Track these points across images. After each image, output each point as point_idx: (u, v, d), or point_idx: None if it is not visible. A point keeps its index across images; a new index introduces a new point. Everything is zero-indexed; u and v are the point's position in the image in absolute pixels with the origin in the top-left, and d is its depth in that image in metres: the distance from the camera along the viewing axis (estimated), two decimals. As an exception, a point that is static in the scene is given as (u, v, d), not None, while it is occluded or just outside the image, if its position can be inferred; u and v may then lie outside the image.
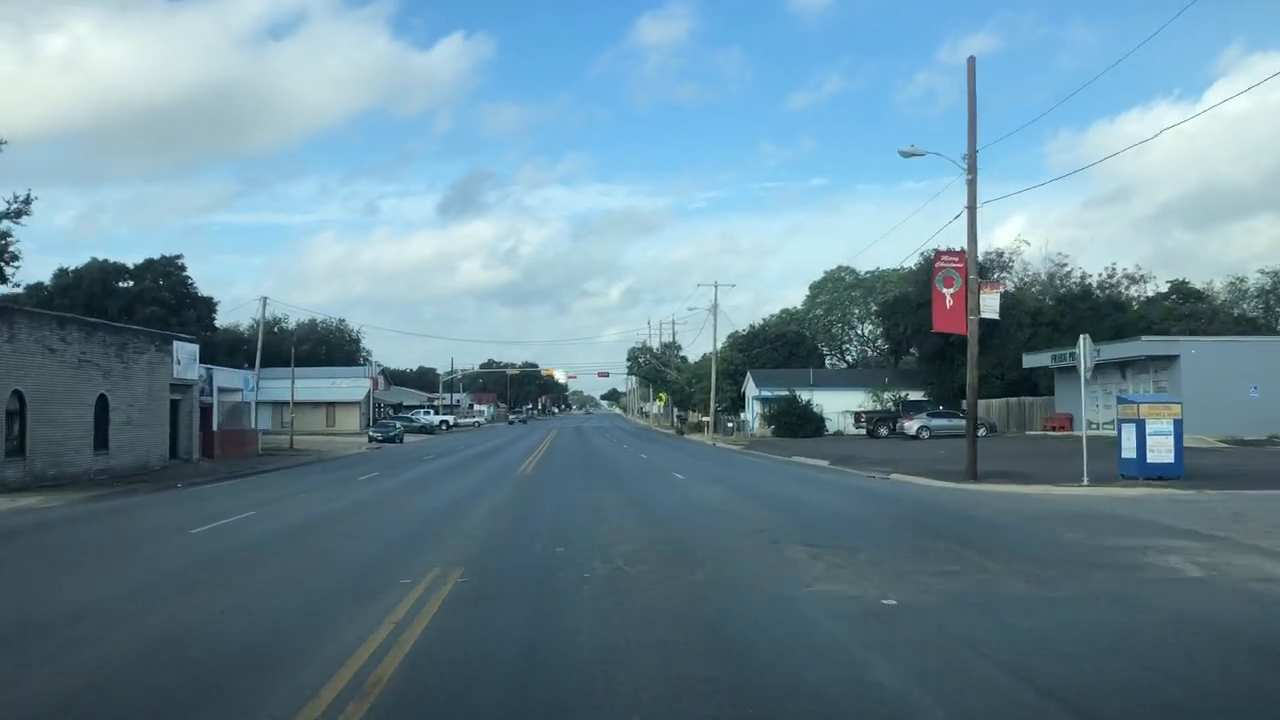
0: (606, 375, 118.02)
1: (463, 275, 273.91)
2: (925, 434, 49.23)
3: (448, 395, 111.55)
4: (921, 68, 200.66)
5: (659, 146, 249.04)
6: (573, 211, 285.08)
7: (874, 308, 73.77)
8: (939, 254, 25.62)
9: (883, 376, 65.45)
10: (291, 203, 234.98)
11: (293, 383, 50.22)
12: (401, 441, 63.82)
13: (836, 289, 74.38)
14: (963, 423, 52.23)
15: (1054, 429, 47.39)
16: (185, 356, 34.23)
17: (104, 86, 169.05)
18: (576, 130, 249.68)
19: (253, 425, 43.03)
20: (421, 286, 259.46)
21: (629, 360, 78.18)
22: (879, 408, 60.55)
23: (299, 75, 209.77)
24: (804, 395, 61.43)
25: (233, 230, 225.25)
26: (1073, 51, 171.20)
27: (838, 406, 61.82)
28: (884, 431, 54.26)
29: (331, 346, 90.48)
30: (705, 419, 67.90)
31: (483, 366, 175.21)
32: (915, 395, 60.77)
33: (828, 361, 75.34)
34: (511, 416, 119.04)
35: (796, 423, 60.08)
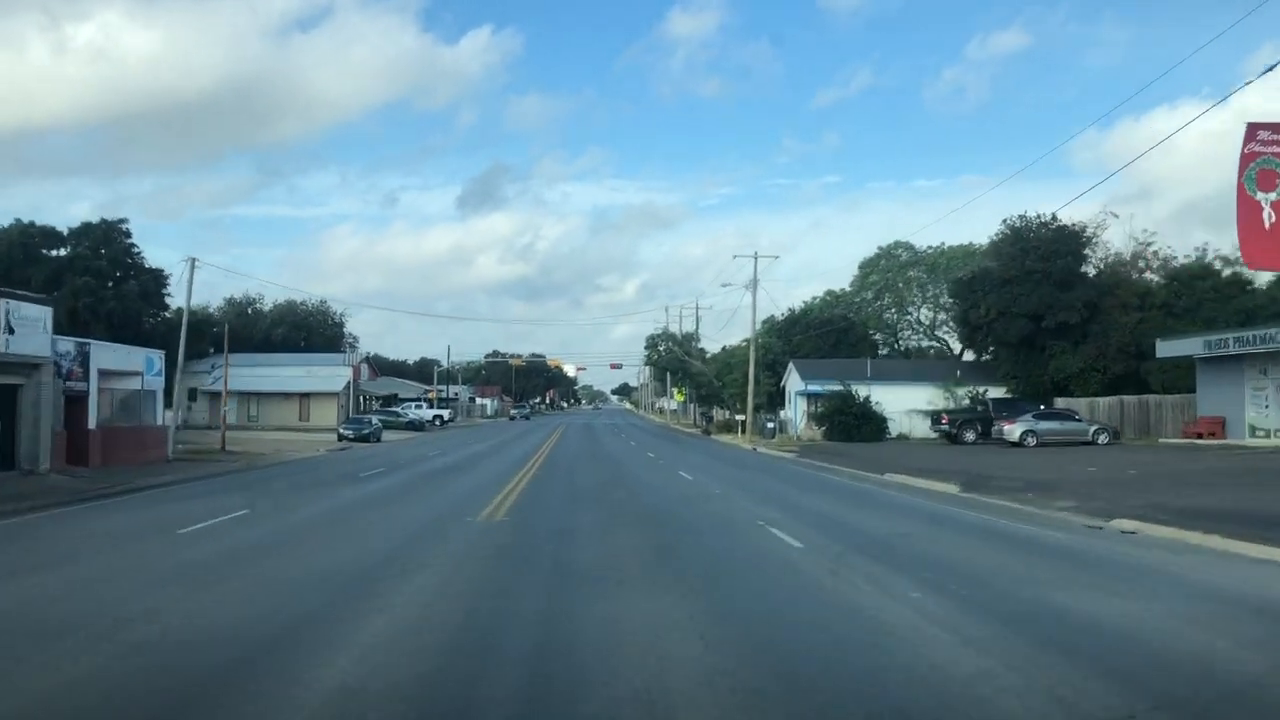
0: (620, 367, 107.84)
1: (478, 270, 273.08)
2: (1030, 440, 38.57)
3: (445, 387, 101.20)
4: (950, 64, 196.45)
5: (681, 141, 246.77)
6: (591, 206, 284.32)
7: (934, 289, 63.10)
8: (1253, 130, 14.82)
9: (953, 369, 54.73)
10: (310, 196, 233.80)
11: (225, 369, 39.96)
12: (378, 440, 53.65)
13: (891, 267, 63.59)
14: (1079, 426, 41.59)
15: (1199, 436, 36.63)
16: (27, 323, 23.80)
17: (129, 77, 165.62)
18: (598, 124, 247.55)
19: (158, 420, 32.58)
20: (436, 281, 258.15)
21: (647, 348, 68.16)
22: (952, 405, 49.92)
23: (324, 67, 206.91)
24: (860, 390, 50.81)
25: (251, 223, 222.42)
26: (1105, 49, 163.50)
27: (901, 404, 51.19)
28: (971, 436, 43.58)
29: (312, 331, 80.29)
30: (739, 417, 57.29)
31: (487, 358, 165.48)
32: (995, 391, 50.17)
33: (879, 352, 64.52)
34: (513, 412, 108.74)
35: (853, 423, 49.49)
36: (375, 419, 56.81)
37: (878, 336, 64.80)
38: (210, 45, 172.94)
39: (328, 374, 71.33)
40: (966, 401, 50.24)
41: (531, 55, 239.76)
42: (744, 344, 60.91)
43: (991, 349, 52.75)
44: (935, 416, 46.75)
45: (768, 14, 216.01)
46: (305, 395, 70.22)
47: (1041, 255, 48.25)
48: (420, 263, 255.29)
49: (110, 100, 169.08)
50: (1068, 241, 48.91)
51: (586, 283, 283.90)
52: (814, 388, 53.52)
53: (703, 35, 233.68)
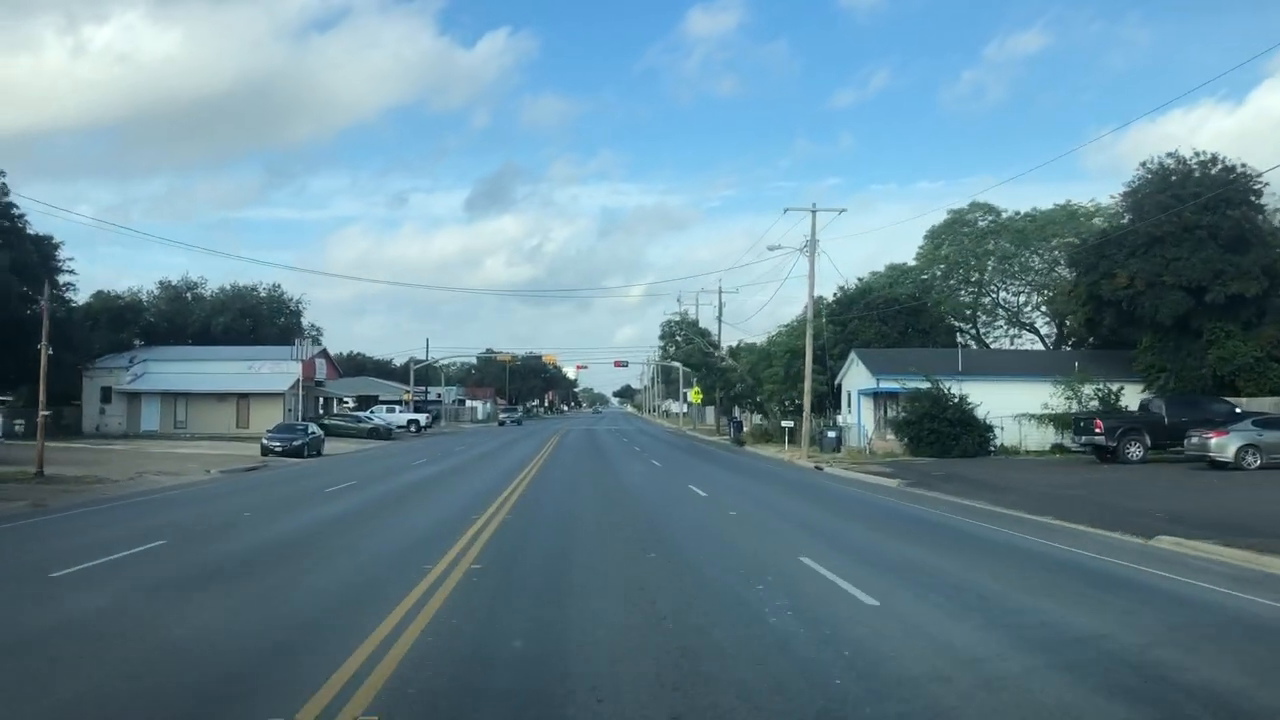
0: (625, 365, 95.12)
1: (485, 272, 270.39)
2: (1252, 459, 25.81)
3: (424, 389, 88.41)
4: (969, 65, 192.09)
5: (693, 144, 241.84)
6: (600, 208, 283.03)
7: (1026, 262, 50.21)
8: None
9: (1068, 361, 41.92)
10: (320, 197, 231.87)
11: (43, 358, 26.64)
12: (315, 454, 41.15)
13: (972, 235, 50.66)
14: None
15: None
16: None
17: (145, 79, 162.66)
18: (611, 126, 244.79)
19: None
20: (443, 283, 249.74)
21: (662, 338, 55.63)
22: (1077, 406, 37.28)
23: (339, 69, 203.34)
24: (952, 389, 38.07)
25: (259, 225, 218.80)
26: (1126, 49, 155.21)
27: (1003, 406, 38.40)
28: (1136, 451, 30.78)
29: (261, 320, 67.47)
30: (785, 424, 44.41)
31: (480, 356, 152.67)
32: (1131, 389, 37.57)
33: (957, 340, 51.60)
34: (502, 416, 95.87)
35: (948, 432, 36.75)
36: (313, 427, 43.99)
37: (957, 321, 51.85)
38: (224, 47, 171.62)
39: (272, 370, 58.54)
40: (1095, 403, 37.50)
41: (547, 57, 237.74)
42: (788, 329, 48.20)
43: (1125, 334, 39.89)
44: (1080, 423, 33.88)
45: (785, 14, 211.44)
46: (244, 396, 57.44)
47: (1204, 206, 35.50)
48: (427, 265, 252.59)
49: (121, 102, 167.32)
50: (1239, 188, 36.15)
51: (593, 285, 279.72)
52: (888, 385, 40.70)
53: (720, 36, 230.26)
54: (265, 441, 40.66)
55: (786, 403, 48.33)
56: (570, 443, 51.14)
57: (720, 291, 61.90)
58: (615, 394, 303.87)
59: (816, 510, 19.83)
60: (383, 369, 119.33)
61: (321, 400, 69.73)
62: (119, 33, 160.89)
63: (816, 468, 34.05)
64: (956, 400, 37.52)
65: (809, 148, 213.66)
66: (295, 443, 40.24)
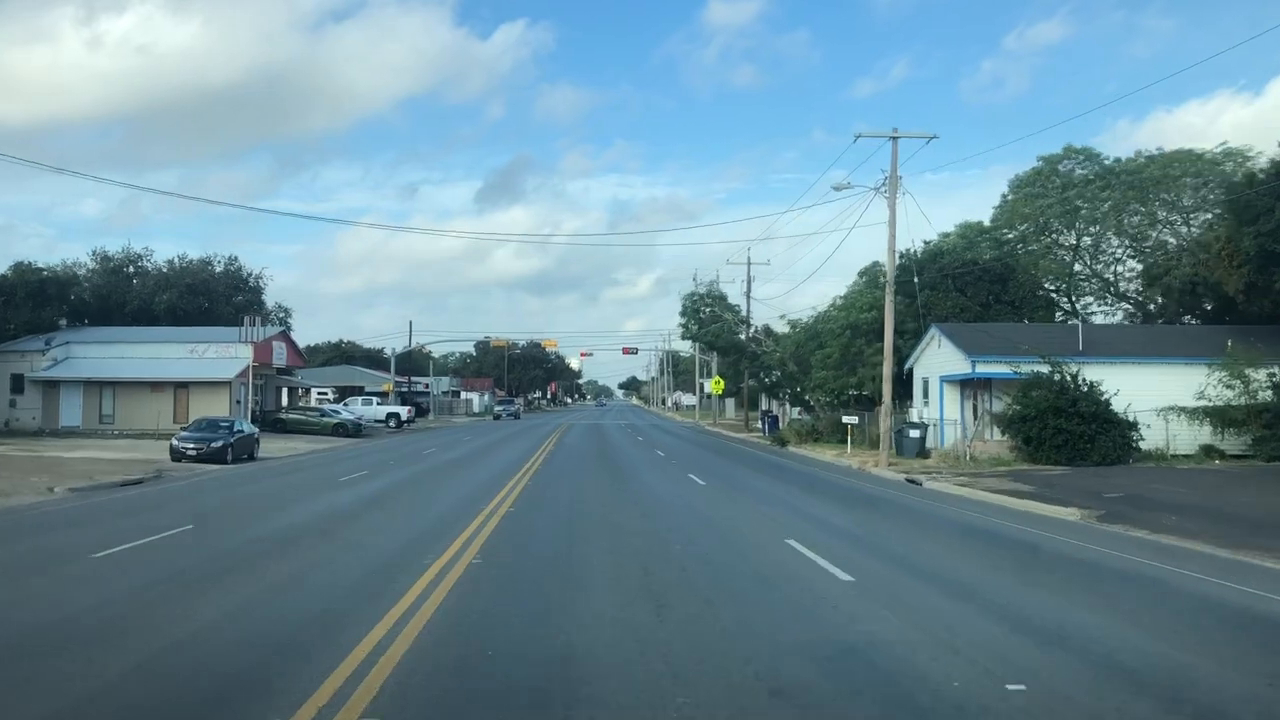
0: (634, 351, 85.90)
1: (494, 264, 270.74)
2: None
3: (406, 379, 79.13)
4: (988, 55, 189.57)
5: (708, 136, 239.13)
6: (611, 199, 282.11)
7: (1145, 217, 40.46)
8: None
9: (1219, 339, 32.36)
10: (330, 189, 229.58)
11: None
12: (246, 458, 32.26)
13: (1066, 185, 40.78)
14: None
15: None
16: None
17: (161, 71, 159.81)
18: (626, 118, 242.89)
19: None
20: (451, 275, 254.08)
21: (684, 315, 45.98)
22: (1241, 395, 27.93)
23: (353, 61, 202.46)
24: (1078, 373, 28.60)
25: (271, 217, 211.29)
26: (1146, 39, 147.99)
27: (1141, 396, 28.89)
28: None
29: (215, 299, 58.02)
30: (847, 419, 34.90)
31: (477, 345, 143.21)
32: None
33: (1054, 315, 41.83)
34: (497, 409, 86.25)
35: (1078, 431, 27.32)
36: (242, 423, 34.53)
37: (1051, 290, 42.05)
38: (238, 38, 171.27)
39: (218, 355, 49.15)
40: (1270, 392, 28.08)
41: (563, 49, 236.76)
42: (845, 301, 38.75)
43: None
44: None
45: (806, 3, 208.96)
46: (183, 385, 48.01)
47: None
48: (438, 257, 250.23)
49: (134, 94, 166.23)
50: None
51: (602, 276, 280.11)
52: (987, 370, 31.22)
53: (739, 25, 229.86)
54: (176, 443, 31.30)
55: (840, 393, 38.89)
56: (573, 442, 41.74)
57: (749, 264, 52.39)
58: (620, 386, 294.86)
59: (1004, 581, 10.47)
60: (374, 359, 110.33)
61: (286, 391, 60.36)
62: (135, 24, 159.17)
63: (909, 481, 24.64)
64: (1086, 389, 28.02)
65: (825, 139, 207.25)
66: (215, 444, 30.91)
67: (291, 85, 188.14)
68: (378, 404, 64.34)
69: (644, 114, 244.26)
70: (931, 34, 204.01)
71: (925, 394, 36.02)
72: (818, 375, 38.21)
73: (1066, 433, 27.23)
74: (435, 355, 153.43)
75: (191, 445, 30.81)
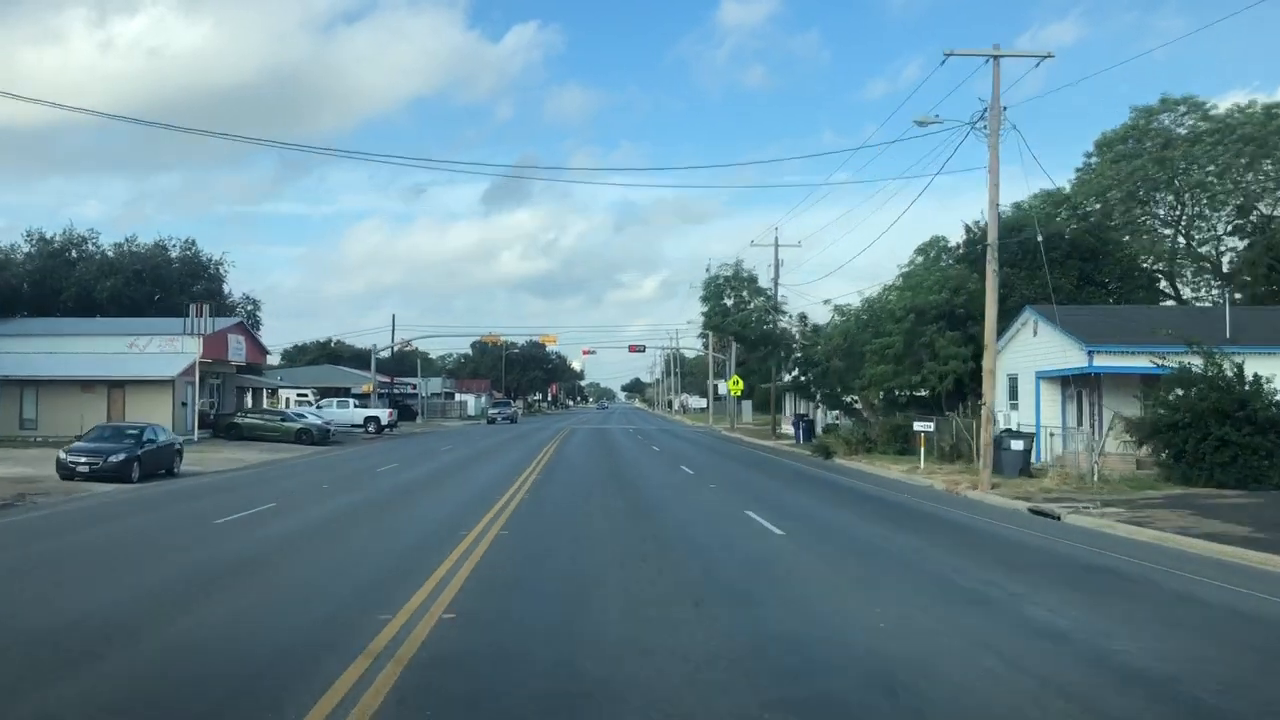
0: (642, 349, 78.67)
1: (500, 266, 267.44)
2: None
3: (390, 379, 72.25)
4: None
5: (716, 137, 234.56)
6: (618, 201, 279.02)
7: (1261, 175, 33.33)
8: None
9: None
10: (337, 190, 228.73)
11: None
12: (166, 473, 26.04)
13: (1168, 141, 33.49)
14: None
15: None
16: None
17: (169, 72, 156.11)
18: (633, 119, 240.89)
19: None
20: (457, 277, 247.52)
21: (706, 301, 38.60)
22: None
23: (363, 61, 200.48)
24: (1243, 366, 21.61)
25: (277, 219, 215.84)
26: (1159, 38, 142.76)
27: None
28: None
29: (168, 287, 51.04)
30: (921, 427, 27.78)
31: (474, 345, 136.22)
32: None
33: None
34: (492, 412, 79.02)
35: (1252, 445, 20.30)
36: (156, 431, 27.40)
37: (1151, 266, 34.85)
38: (249, 40, 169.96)
39: (161, 349, 42.24)
40: None
41: (571, 50, 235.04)
42: (906, 279, 31.84)
43: None
44: None
45: (817, 4, 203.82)
46: (119, 384, 41.07)
47: None
48: (440, 258, 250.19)
49: (142, 96, 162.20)
50: None
51: (606, 278, 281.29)
52: (1108, 363, 24.24)
53: (749, 26, 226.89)
54: (64, 456, 24.43)
55: (900, 392, 31.97)
56: (574, 454, 34.83)
57: (777, 245, 45.36)
58: (623, 388, 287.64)
59: None
60: (365, 359, 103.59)
61: (251, 392, 53.44)
62: (144, 26, 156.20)
63: (1036, 512, 17.72)
64: (1252, 387, 21.03)
65: (834, 140, 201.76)
66: (116, 458, 24.06)
67: (298, 88, 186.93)
68: (355, 406, 57.40)
69: (651, 115, 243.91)
70: (945, 35, 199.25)
71: (1012, 393, 29.03)
72: (873, 371, 31.20)
73: (1235, 445, 20.24)
74: (432, 356, 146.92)
75: (84, 460, 23.94)
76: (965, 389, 30.55)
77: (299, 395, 72.52)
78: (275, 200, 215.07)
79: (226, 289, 54.53)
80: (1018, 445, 23.70)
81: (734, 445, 42.53)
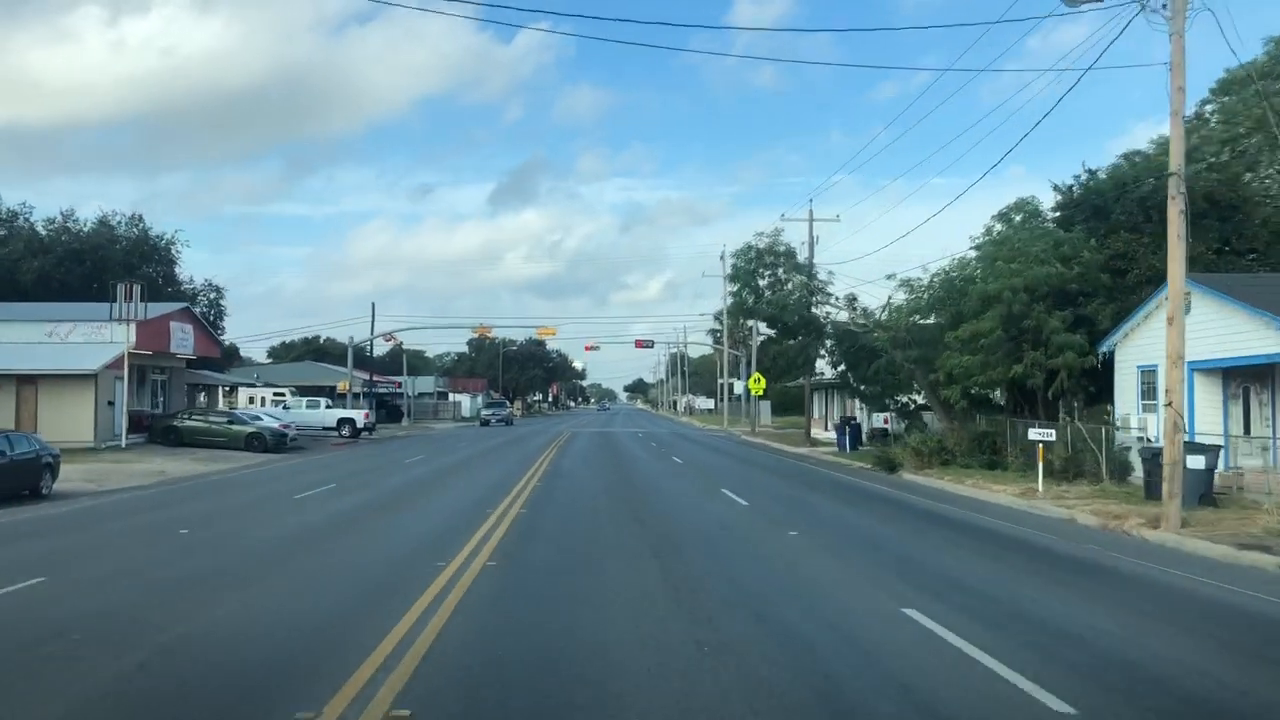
0: (650, 345, 71.96)
1: (505, 267, 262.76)
2: None
3: (370, 375, 65.67)
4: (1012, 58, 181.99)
5: (724, 139, 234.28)
6: (625, 202, 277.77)
7: None
8: None
9: None
10: (343, 191, 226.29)
11: None
12: (29, 495, 18.64)
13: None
14: None
15: None
16: None
17: (181, 71, 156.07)
18: (642, 120, 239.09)
19: None
20: (462, 278, 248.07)
21: (736, 280, 31.58)
22: None
23: (372, 62, 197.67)
24: None
25: (283, 219, 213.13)
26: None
27: None
28: None
29: (108, 268, 44.25)
30: (1039, 434, 20.81)
31: (470, 343, 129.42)
32: None
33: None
34: (485, 413, 71.89)
35: None
36: (30, 441, 20.64)
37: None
38: (257, 40, 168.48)
39: (85, 339, 35.61)
40: None
41: (583, 51, 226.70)
42: (989, 252, 25.22)
43: None
44: None
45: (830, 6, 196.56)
46: (29, 379, 34.41)
47: None
48: (446, 259, 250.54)
49: (151, 96, 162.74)
50: None
51: (611, 280, 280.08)
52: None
53: (758, 32, 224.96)
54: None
55: (979, 390, 25.24)
56: (574, 467, 28.16)
57: (811, 220, 38.69)
58: (626, 389, 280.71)
59: None
60: (356, 357, 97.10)
61: (205, 390, 46.80)
62: (153, 26, 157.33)
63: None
64: None
65: (843, 141, 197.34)
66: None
67: (307, 88, 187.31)
68: (328, 407, 50.70)
69: (661, 116, 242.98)
70: (956, 36, 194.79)
71: (1145, 392, 22.25)
72: (956, 362, 24.41)
73: None
74: (430, 355, 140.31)
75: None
76: (1063, 386, 23.76)
77: (275, 395, 65.98)
78: (284, 201, 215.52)
79: (182, 273, 47.85)
80: (1197, 462, 16.90)
81: (768, 455, 35.74)
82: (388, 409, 75.54)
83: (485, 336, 56.70)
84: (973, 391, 26.58)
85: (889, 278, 28.57)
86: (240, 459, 32.55)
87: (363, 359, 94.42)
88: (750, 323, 47.73)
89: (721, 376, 66.88)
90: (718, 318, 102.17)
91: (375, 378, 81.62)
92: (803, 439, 41.74)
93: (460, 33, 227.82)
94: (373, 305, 69.16)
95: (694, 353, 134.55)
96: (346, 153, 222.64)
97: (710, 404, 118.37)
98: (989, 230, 28.17)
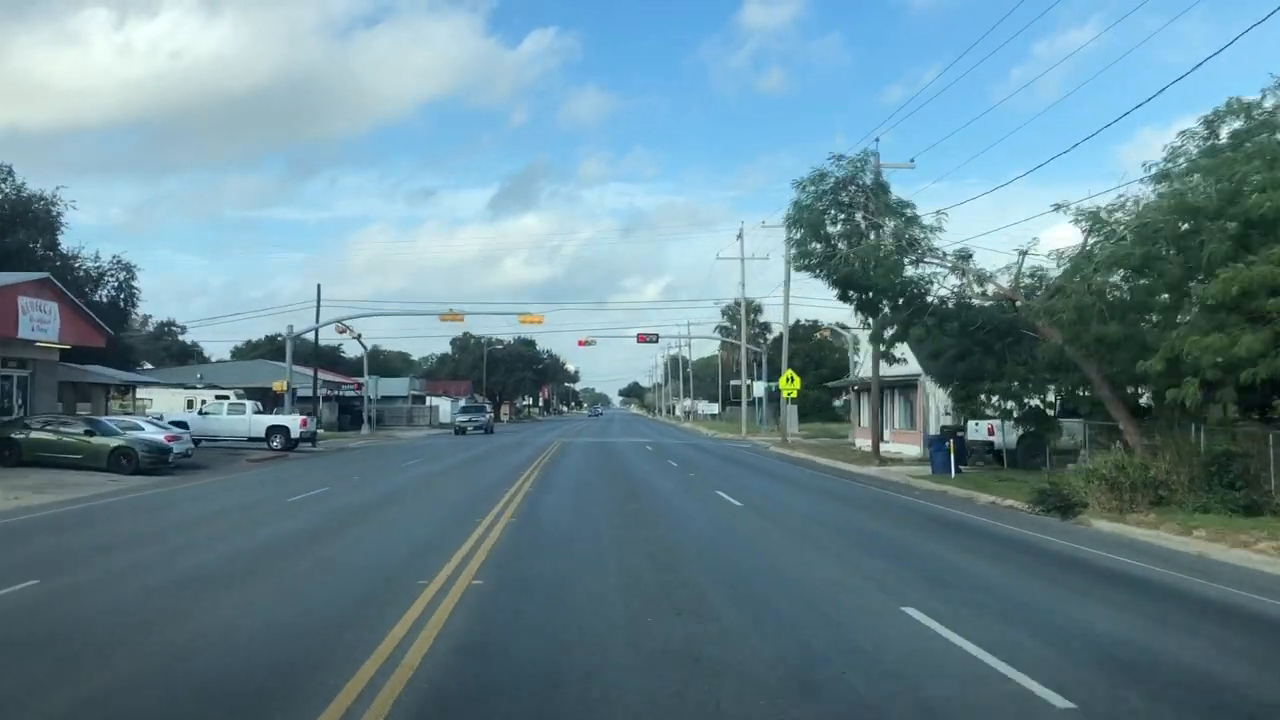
0: (654, 339, 62.00)
1: (504, 271, 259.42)
2: None
3: (310, 373, 55.47)
4: (1019, 62, 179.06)
5: (728, 143, 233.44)
6: (626, 207, 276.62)
7: None
8: None
9: None
10: (343, 195, 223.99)
11: None
12: None
13: None
14: None
15: None
16: None
17: (184, 76, 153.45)
18: (646, 124, 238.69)
19: None
20: (462, 282, 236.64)
21: (795, 225, 22.18)
22: None
23: (378, 66, 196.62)
24: None
25: (284, 224, 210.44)
26: (1182, 44, 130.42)
27: None
28: None
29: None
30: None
31: (454, 343, 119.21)
32: None
33: None
34: (460, 419, 60.92)
35: None
36: None
37: None
38: (261, 43, 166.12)
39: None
40: None
41: (587, 56, 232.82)
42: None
43: None
44: None
45: (839, 9, 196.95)
46: None
47: None
48: (445, 264, 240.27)
49: (150, 100, 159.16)
50: None
51: (610, 285, 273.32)
52: None
53: (769, 30, 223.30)
54: None
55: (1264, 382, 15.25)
56: (563, 502, 18.27)
57: (876, 160, 28.79)
58: (621, 393, 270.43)
59: None
60: (328, 356, 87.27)
61: (95, 390, 36.68)
62: (153, 30, 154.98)
63: None
64: None
65: (847, 144, 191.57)
66: None
67: (315, 91, 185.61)
68: (256, 411, 40.61)
69: (667, 120, 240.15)
70: (964, 41, 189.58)
71: None
72: (1202, 342, 14.53)
73: None
74: (415, 357, 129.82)
75: None
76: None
77: (218, 398, 56.09)
78: (285, 205, 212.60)
79: (69, 245, 37.70)
80: None
81: (837, 481, 25.67)
82: (353, 414, 65.61)
83: (455, 320, 46.61)
84: (1244, 385, 16.49)
85: (1057, 208, 18.62)
86: (94, 485, 22.56)
87: (339, 361, 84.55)
88: (763, 319, 37.71)
89: (741, 377, 56.89)
90: (726, 313, 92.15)
91: (340, 379, 71.71)
92: (853, 454, 31.92)
93: (467, 36, 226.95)
94: (318, 287, 58.28)
95: (700, 351, 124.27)
96: (349, 156, 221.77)
97: (714, 409, 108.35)
98: (1171, 152, 18.27)
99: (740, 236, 54.28)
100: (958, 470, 24.25)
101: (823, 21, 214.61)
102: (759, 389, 55.04)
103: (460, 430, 58.83)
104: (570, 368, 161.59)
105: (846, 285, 21.65)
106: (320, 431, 62.49)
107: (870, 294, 21.40)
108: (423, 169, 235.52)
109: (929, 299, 21.37)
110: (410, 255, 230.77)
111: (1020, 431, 25.90)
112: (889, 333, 23.20)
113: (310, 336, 52.88)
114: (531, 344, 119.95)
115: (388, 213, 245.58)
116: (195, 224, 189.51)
